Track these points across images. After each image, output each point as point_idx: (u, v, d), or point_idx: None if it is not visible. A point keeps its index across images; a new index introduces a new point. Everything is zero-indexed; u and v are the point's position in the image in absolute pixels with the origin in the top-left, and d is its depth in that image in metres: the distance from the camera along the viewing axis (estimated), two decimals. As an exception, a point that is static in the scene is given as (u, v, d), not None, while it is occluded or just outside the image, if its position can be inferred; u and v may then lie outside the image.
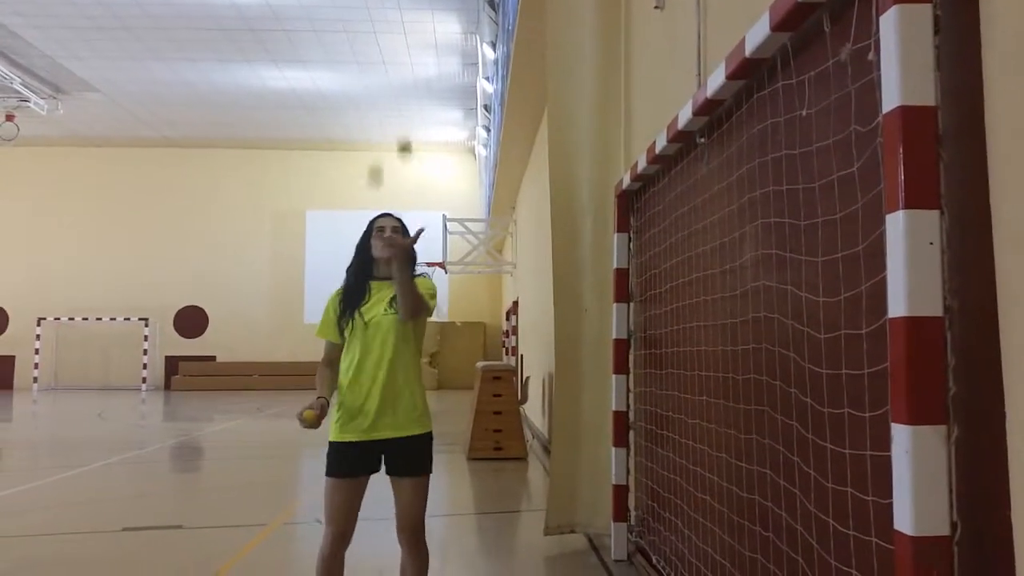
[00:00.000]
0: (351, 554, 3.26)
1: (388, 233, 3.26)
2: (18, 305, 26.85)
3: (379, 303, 3.24)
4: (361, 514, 3.21)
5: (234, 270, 27.41)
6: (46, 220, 27.25)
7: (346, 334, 3.24)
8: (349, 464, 3.14)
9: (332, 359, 3.32)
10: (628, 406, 4.53)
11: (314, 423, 2.99)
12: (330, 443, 3.18)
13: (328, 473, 3.15)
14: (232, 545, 5.23)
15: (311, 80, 20.97)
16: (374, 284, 3.29)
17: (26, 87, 20.52)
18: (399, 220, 3.36)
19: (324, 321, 3.32)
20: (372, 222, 3.36)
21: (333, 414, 3.19)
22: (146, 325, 26.50)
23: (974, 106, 1.50)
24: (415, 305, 3.15)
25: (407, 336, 3.24)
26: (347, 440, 3.13)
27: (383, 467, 3.20)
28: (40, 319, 26.45)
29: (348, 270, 3.36)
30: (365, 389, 3.16)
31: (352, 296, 3.26)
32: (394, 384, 3.17)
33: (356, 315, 3.21)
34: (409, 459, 3.18)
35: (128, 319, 26.65)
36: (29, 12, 16.79)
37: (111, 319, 26.68)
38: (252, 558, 4.94)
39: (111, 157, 27.37)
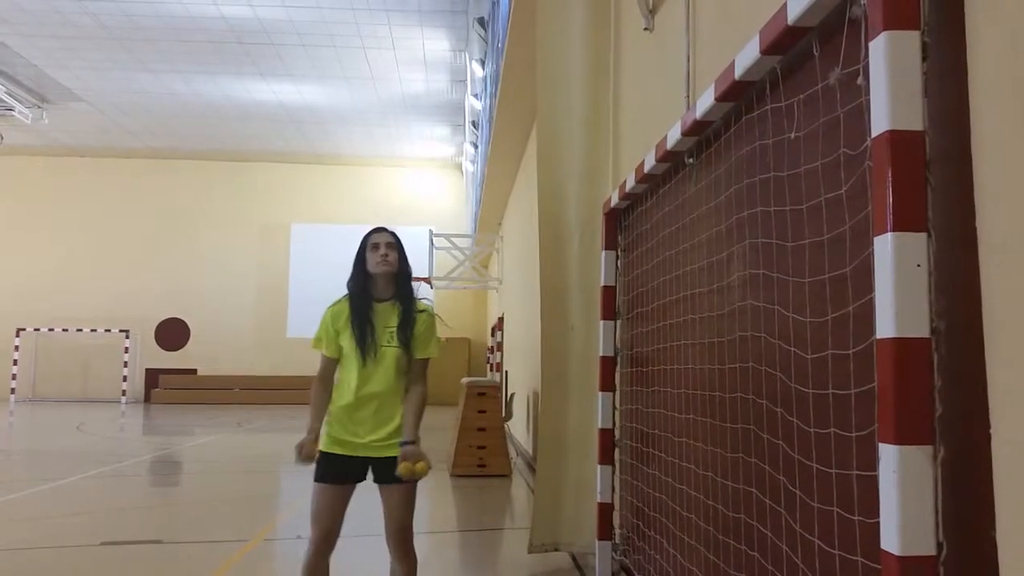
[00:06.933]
0: (336, 571, 3.25)
1: (383, 251, 3.23)
2: (-3, 315, 26.55)
3: (384, 331, 3.23)
4: (348, 529, 3.22)
5: (216, 282, 27.18)
6: (27, 229, 26.95)
7: (346, 351, 3.23)
8: (336, 471, 3.21)
9: (328, 374, 3.32)
10: (614, 423, 4.54)
11: (311, 462, 3.18)
12: (320, 452, 3.22)
13: (316, 479, 3.21)
14: (213, 561, 5.17)
15: (299, 94, 20.98)
16: (377, 307, 3.26)
17: (11, 96, 20.38)
18: (393, 235, 3.32)
19: (322, 335, 3.29)
20: (366, 237, 3.31)
21: (324, 425, 3.28)
22: (127, 337, 26.24)
23: (960, 130, 1.53)
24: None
25: (404, 368, 3.28)
26: (337, 453, 3.22)
27: (370, 476, 3.26)
28: (19, 329, 26.12)
29: (348, 285, 3.31)
30: (361, 415, 3.21)
31: (357, 317, 3.22)
32: (387, 411, 3.24)
33: (362, 339, 3.19)
34: (395, 469, 3.23)
35: (109, 330, 26.40)
36: (16, 20, 16.73)
37: (92, 330, 26.39)
38: (234, 574, 4.88)
39: (95, 167, 27.17)
